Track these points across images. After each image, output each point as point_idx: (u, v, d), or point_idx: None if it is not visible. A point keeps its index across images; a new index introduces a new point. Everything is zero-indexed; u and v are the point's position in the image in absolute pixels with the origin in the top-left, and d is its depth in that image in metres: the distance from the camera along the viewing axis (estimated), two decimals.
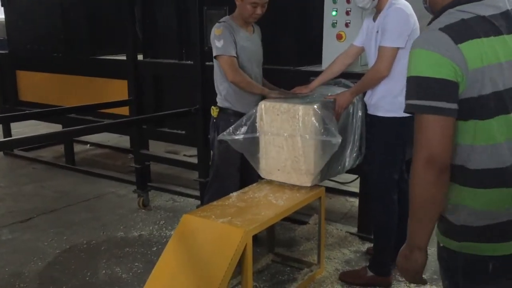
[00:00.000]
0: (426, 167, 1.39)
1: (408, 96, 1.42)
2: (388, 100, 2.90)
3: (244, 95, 3.24)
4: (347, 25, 3.45)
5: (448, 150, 1.39)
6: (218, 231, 2.52)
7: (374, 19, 2.94)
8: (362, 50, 3.15)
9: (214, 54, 3.20)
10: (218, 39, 3.15)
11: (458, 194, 1.47)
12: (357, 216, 3.80)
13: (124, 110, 4.56)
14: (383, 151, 2.99)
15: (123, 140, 6.42)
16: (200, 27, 3.72)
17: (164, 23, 4.57)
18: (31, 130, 6.50)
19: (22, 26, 5.68)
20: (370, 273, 3.10)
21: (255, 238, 2.87)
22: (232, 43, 3.15)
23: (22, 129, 6.39)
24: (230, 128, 3.04)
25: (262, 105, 3.01)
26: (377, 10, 2.91)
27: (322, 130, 2.85)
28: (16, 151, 6.01)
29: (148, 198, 4.39)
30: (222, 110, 3.32)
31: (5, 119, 5.16)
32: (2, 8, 5.91)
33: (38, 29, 5.50)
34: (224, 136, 3.05)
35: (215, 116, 3.34)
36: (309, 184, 2.97)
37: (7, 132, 5.95)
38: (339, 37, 3.49)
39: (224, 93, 3.29)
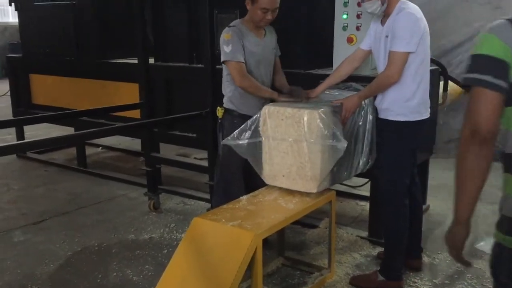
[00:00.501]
0: (469, 138, 1.47)
1: (465, 71, 1.53)
2: (400, 104, 2.89)
3: (249, 98, 3.26)
4: (358, 28, 3.44)
5: (491, 123, 1.45)
6: (228, 235, 2.52)
7: (382, 23, 2.93)
8: (369, 53, 3.14)
9: (222, 59, 3.23)
10: (227, 44, 3.16)
11: (507, 184, 1.53)
12: (367, 220, 3.78)
13: (136, 113, 4.59)
14: (394, 155, 2.97)
15: (134, 143, 6.45)
16: (210, 31, 3.74)
17: (175, 27, 4.60)
18: (43, 132, 6.56)
19: (35, 30, 5.75)
20: (380, 278, 3.08)
21: (265, 241, 2.86)
22: (240, 48, 3.16)
23: (35, 132, 6.46)
24: (235, 132, 3.01)
25: (266, 109, 2.96)
26: (385, 14, 2.90)
27: (328, 135, 2.80)
28: (29, 154, 6.06)
29: (159, 201, 4.41)
30: (227, 111, 3.35)
31: (19, 122, 5.23)
32: (16, 13, 5.99)
33: (50, 33, 5.56)
34: (228, 141, 3.02)
35: (220, 117, 3.38)
36: (314, 191, 2.89)
37: (20, 135, 6.02)
38: (350, 40, 3.48)
39: (229, 95, 3.33)
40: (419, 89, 2.89)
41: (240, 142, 2.99)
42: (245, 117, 3.17)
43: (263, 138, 2.98)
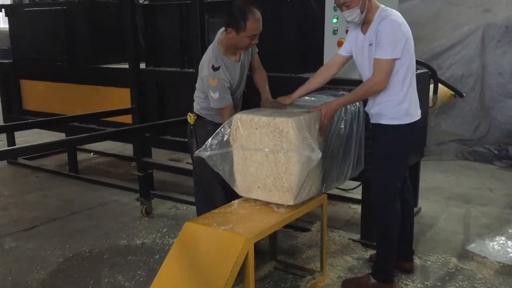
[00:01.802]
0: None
1: None
2: (391, 108, 2.90)
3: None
4: (347, 32, 3.45)
5: None
6: (219, 239, 2.52)
7: (363, 31, 2.93)
8: (348, 59, 3.12)
9: (211, 105, 3.15)
10: (214, 91, 3.07)
11: None
12: (359, 223, 3.79)
13: (127, 118, 4.58)
14: (386, 159, 2.98)
15: (126, 148, 6.44)
16: (201, 36, 3.74)
17: (166, 32, 4.60)
18: (35, 138, 6.54)
19: (26, 36, 5.73)
20: (373, 280, 3.09)
21: (257, 251, 2.82)
22: (228, 90, 3.10)
23: (26, 138, 6.43)
24: (207, 142, 2.87)
25: (238, 117, 2.81)
26: (365, 21, 2.90)
27: (306, 144, 2.66)
28: (20, 160, 6.03)
29: (151, 206, 4.40)
30: (199, 117, 3.31)
31: (9, 128, 5.20)
32: (6, 18, 5.97)
33: (41, 39, 5.54)
34: (200, 152, 2.85)
35: (191, 123, 3.33)
36: (291, 203, 2.75)
37: (11, 140, 5.99)
38: (340, 44, 3.48)
39: (203, 105, 3.28)
40: (409, 92, 2.91)
41: (213, 153, 2.83)
42: (218, 125, 3.07)
43: (235, 148, 2.84)
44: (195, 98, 3.35)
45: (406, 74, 2.87)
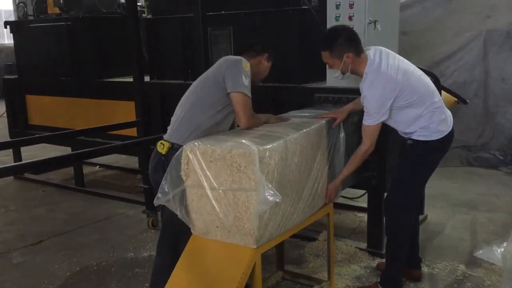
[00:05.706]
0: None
1: None
2: (422, 130, 2.91)
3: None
4: None
5: None
6: (227, 250, 2.52)
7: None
8: None
9: (236, 89, 2.63)
10: (246, 76, 2.66)
11: None
12: (366, 232, 3.78)
13: (132, 131, 4.60)
14: (408, 171, 3.01)
15: (131, 161, 6.45)
16: (204, 48, 3.78)
17: (169, 45, 4.64)
18: (40, 152, 6.56)
19: (31, 52, 5.79)
20: None
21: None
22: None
23: (32, 153, 6.46)
24: (162, 184, 2.47)
25: (188, 149, 2.42)
26: (359, 75, 2.91)
27: (264, 183, 2.27)
28: (26, 175, 6.06)
29: (157, 218, 4.39)
30: (174, 146, 2.69)
31: (16, 143, 5.23)
32: (11, 34, 6.04)
33: (46, 54, 5.60)
34: (158, 199, 2.48)
35: (163, 154, 2.70)
36: (254, 246, 2.39)
37: (18, 156, 6.01)
38: None
39: (198, 133, 2.69)
40: (433, 116, 2.89)
41: (172, 194, 2.46)
42: None
43: (188, 184, 2.47)
44: (181, 123, 2.78)
45: (419, 111, 2.87)
